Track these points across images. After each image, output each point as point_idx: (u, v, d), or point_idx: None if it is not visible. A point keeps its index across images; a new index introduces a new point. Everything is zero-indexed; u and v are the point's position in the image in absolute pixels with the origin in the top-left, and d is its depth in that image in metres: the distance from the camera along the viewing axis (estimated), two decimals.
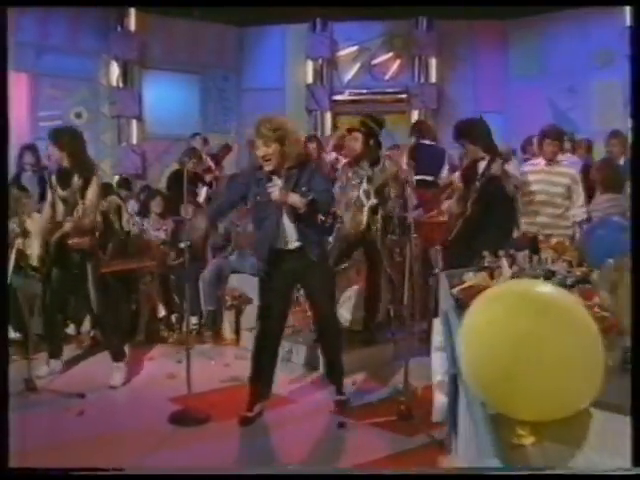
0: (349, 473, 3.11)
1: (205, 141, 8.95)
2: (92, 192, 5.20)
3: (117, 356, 5.50)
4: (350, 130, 5.79)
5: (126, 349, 5.71)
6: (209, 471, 2.78)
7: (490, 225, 5.43)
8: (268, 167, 4.39)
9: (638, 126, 2.51)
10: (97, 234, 5.39)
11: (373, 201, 5.64)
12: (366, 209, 5.63)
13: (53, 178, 5.35)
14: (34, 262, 5.95)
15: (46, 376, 5.41)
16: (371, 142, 5.63)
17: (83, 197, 5.17)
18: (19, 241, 5.18)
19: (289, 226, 4.50)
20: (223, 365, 5.86)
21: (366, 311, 6.02)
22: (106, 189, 7.33)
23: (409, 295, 6.32)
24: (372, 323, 6.02)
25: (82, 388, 5.13)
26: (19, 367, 5.15)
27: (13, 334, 5.86)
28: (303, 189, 4.39)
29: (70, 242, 5.17)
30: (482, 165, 5.50)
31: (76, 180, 5.19)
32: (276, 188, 4.32)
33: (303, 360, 5.78)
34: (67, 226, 5.14)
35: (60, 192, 5.28)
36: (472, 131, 5.56)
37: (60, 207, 5.27)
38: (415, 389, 4.85)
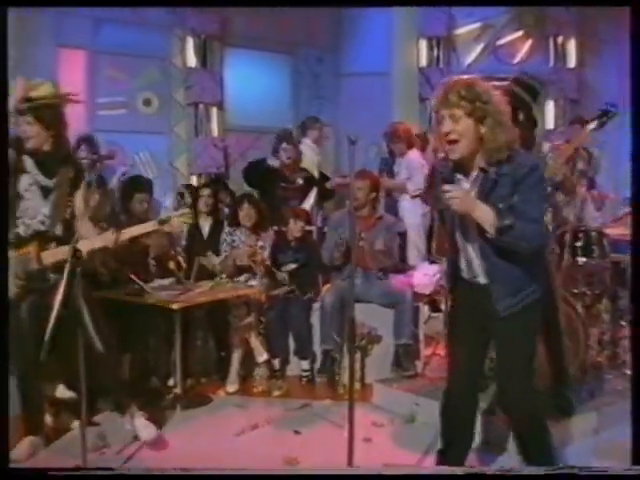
0: (349, 473, 3.08)
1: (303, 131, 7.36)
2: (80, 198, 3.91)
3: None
4: None
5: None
6: (208, 471, 2.81)
7: None
8: (453, 154, 2.95)
9: (638, 125, 2.86)
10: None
11: None
12: None
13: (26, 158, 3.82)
14: None
15: None
16: (521, 117, 4.13)
17: (71, 195, 3.83)
18: None
19: (473, 249, 3.07)
20: (362, 440, 3.89)
21: (552, 364, 4.15)
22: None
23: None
24: (566, 382, 4.18)
25: None
26: None
27: None
28: (501, 205, 2.89)
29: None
30: None
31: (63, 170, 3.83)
32: (458, 194, 2.88)
33: None
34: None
35: (41, 178, 3.81)
36: None
37: (37, 197, 3.78)
38: None
